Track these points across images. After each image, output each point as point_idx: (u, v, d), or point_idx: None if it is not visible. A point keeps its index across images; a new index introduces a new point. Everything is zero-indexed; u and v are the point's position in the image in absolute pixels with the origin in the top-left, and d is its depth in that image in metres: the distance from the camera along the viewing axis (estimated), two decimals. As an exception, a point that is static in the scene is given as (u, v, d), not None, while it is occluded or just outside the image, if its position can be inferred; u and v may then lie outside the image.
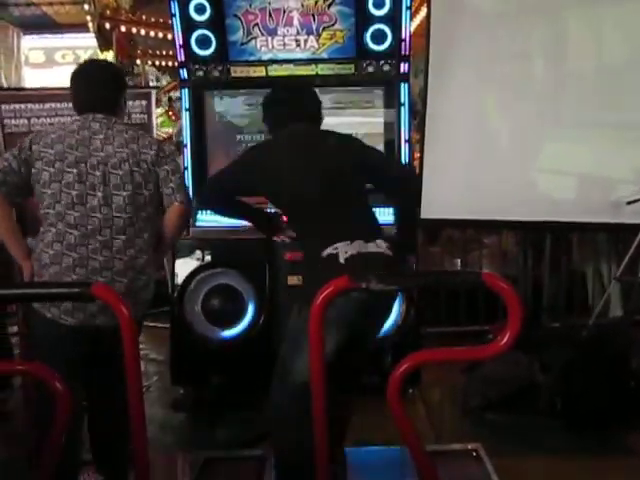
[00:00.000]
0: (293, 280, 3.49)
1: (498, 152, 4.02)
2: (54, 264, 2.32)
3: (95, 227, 2.32)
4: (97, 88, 2.46)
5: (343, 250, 2.27)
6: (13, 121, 3.93)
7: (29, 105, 3.88)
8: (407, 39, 3.60)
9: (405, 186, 2.61)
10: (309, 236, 2.44)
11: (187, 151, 3.68)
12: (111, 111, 2.46)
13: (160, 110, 8.95)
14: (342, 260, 2.26)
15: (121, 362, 1.89)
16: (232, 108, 3.77)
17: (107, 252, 2.33)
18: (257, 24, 3.62)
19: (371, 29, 3.59)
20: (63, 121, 3.93)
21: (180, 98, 3.78)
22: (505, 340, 1.63)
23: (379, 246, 2.32)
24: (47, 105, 3.93)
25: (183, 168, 2.55)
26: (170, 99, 8.98)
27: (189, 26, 3.62)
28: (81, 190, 2.32)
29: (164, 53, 8.69)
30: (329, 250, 2.28)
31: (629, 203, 3.91)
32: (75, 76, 2.51)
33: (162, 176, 2.44)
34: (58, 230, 2.33)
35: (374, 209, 2.54)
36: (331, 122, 3.70)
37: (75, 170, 2.32)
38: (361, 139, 2.76)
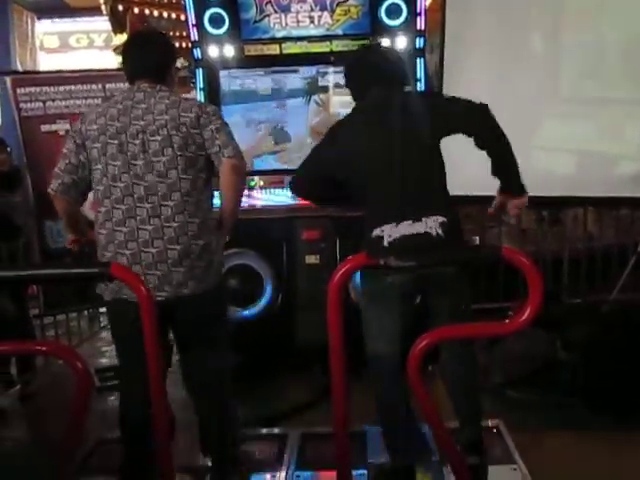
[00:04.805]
0: (311, 259, 3.49)
1: (516, 128, 3.94)
2: (110, 243, 2.30)
3: (141, 195, 2.27)
4: (146, 54, 2.42)
5: (387, 233, 2.29)
6: (29, 104, 3.94)
7: (44, 88, 3.88)
8: (422, 14, 3.54)
9: (496, 134, 2.53)
10: (366, 216, 2.43)
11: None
12: (160, 77, 2.41)
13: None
14: (386, 243, 2.28)
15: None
16: (247, 86, 3.74)
17: (156, 220, 2.27)
18: (270, 1, 3.58)
19: (385, 4, 3.53)
20: (78, 103, 3.92)
21: (194, 78, 3.74)
22: (526, 315, 1.61)
23: (428, 225, 2.28)
24: (62, 88, 3.92)
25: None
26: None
27: (202, 5, 3.59)
28: (124, 160, 2.28)
29: (178, 34, 8.62)
30: (376, 232, 2.31)
31: (653, 176, 3.85)
32: (126, 46, 2.53)
33: (207, 136, 2.33)
34: (107, 209, 2.30)
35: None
36: (346, 99, 3.71)
37: (116, 141, 2.28)
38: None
